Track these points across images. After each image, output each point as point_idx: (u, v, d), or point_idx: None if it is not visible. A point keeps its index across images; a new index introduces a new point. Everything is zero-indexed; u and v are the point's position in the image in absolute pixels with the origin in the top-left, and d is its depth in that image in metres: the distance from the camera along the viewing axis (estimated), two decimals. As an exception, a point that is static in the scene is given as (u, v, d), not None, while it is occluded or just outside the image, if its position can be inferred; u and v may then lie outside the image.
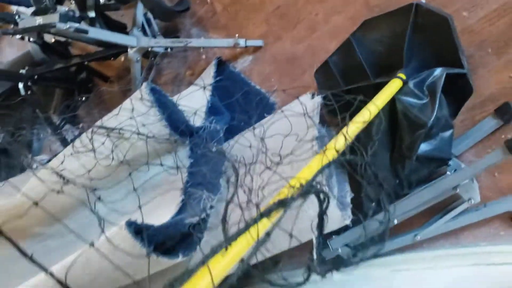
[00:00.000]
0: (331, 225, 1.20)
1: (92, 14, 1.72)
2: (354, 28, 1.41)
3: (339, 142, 0.88)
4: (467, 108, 1.26)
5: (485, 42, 1.26)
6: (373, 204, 1.30)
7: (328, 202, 0.84)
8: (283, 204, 0.67)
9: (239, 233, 0.59)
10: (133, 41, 1.71)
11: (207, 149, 1.46)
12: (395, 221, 1.29)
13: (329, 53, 1.48)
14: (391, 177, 1.28)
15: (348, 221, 1.20)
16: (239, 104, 1.69)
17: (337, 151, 0.87)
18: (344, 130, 0.92)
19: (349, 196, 1.29)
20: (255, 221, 0.63)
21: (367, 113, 0.98)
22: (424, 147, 1.22)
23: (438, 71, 1.19)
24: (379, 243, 1.01)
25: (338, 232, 1.34)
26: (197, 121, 1.53)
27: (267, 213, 0.64)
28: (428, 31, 1.24)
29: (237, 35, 1.69)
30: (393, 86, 1.18)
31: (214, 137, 1.51)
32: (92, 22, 1.73)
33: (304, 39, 1.58)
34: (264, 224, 0.62)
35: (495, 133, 1.22)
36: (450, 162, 1.24)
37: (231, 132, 1.60)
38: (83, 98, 2.07)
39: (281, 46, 1.64)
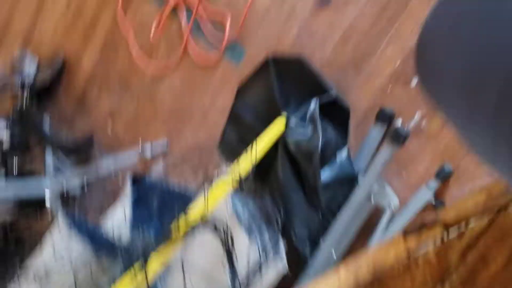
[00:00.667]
0: (271, 277, 1.19)
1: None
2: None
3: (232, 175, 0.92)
4: (354, 125, 1.35)
5: (343, 66, 1.39)
6: (307, 245, 1.31)
7: (231, 236, 0.85)
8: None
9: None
10: (46, 183, 1.73)
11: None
12: (334, 256, 1.29)
13: (224, 131, 1.58)
14: (313, 215, 1.30)
15: (285, 269, 1.19)
16: (168, 210, 1.70)
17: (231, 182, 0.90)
18: (235, 166, 0.96)
19: (282, 246, 1.29)
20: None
21: (254, 149, 1.04)
22: (328, 173, 1.27)
23: (312, 103, 1.29)
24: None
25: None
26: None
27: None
28: (292, 76, 1.36)
29: (140, 145, 1.76)
30: (277, 123, 1.26)
31: (148, 244, 1.49)
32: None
33: (200, 127, 1.67)
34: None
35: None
36: (359, 178, 1.29)
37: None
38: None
39: (185, 140, 1.72)
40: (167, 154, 1.76)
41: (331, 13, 1.40)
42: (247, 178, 1.00)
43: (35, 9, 2.21)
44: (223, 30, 1.60)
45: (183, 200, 1.70)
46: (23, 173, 1.85)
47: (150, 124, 1.82)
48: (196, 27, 1.67)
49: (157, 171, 1.79)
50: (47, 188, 1.73)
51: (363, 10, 1.35)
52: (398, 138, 1.12)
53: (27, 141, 1.84)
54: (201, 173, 1.66)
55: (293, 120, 1.28)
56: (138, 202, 1.73)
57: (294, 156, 1.27)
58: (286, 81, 1.36)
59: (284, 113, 1.31)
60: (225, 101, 1.62)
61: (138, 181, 1.81)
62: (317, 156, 1.21)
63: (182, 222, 0.76)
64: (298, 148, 1.25)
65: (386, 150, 1.14)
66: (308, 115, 1.28)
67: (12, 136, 1.72)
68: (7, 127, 1.71)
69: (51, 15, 2.15)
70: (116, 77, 1.92)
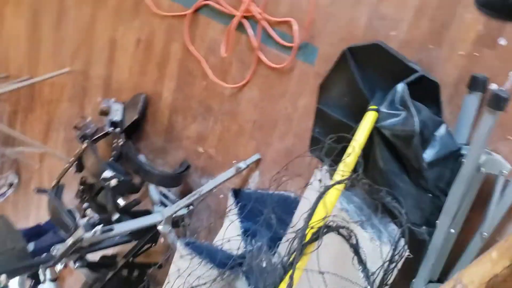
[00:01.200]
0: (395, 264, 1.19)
1: (116, 216, 1.88)
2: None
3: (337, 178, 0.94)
4: (447, 100, 1.32)
5: (422, 43, 1.36)
6: (423, 227, 1.29)
7: (356, 237, 0.87)
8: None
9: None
10: (157, 216, 1.84)
11: (260, 267, 1.49)
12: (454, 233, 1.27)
13: (310, 131, 1.60)
14: (423, 196, 1.29)
15: (406, 253, 1.18)
16: (270, 216, 1.75)
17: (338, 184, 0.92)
18: (338, 169, 0.98)
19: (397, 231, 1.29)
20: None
21: (351, 148, 1.05)
22: (430, 153, 1.25)
23: (399, 86, 1.28)
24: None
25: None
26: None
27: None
28: (371, 63, 1.36)
29: (234, 161, 1.83)
30: (368, 118, 1.26)
31: (261, 254, 1.55)
32: (119, 221, 1.88)
33: (287, 132, 1.70)
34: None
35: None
36: (463, 151, 1.25)
37: (275, 242, 1.64)
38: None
39: (274, 149, 1.76)
40: (260, 165, 1.81)
41: (398, -8, 1.38)
42: (356, 174, 1.02)
43: (108, 57, 2.36)
44: (292, 33, 1.62)
45: (287, 206, 1.74)
46: (134, 210, 1.99)
47: (238, 140, 1.88)
48: (265, 36, 1.71)
49: (254, 182, 1.84)
50: (159, 219, 1.83)
51: (431, -19, 1.32)
52: (498, 103, 1.08)
53: (132, 180, 1.96)
54: (298, 177, 1.69)
55: (384, 108, 1.27)
56: (244, 215, 1.79)
57: (392, 143, 1.27)
58: (368, 68, 1.36)
59: (373, 104, 1.31)
60: (306, 101, 1.64)
61: (239, 195, 1.88)
62: (417, 139, 1.19)
63: (308, 229, 0.79)
64: (395, 134, 1.24)
65: (487, 118, 1.11)
66: (397, 99, 1.27)
67: (118, 178, 1.84)
68: (112, 171, 1.83)
69: (124, 58, 2.28)
70: (197, 102, 2.00)
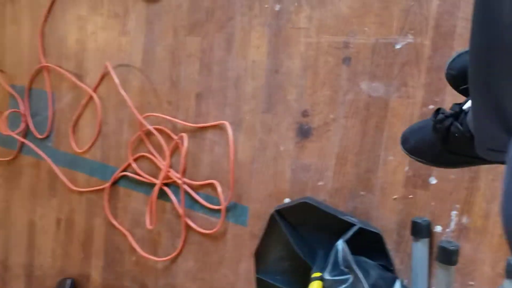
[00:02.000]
0: None
1: None
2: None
3: None
4: (394, 249, 1.21)
5: (352, 190, 1.27)
6: None
7: None
8: None
9: None
10: None
11: None
12: None
13: None
14: None
15: None
16: None
17: None
18: None
19: None
20: None
21: None
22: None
23: (339, 245, 1.16)
24: None
25: None
26: None
27: None
28: (304, 221, 1.25)
29: None
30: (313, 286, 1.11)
31: None
32: None
33: None
34: None
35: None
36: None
37: None
38: None
39: None
40: None
41: (316, 142, 1.32)
42: None
43: (27, 242, 2.15)
44: (217, 196, 1.51)
45: None
46: None
47: None
48: (190, 201, 1.59)
49: None
50: None
51: (346, 128, 1.27)
52: (449, 257, 0.97)
53: None
54: None
55: (328, 274, 1.13)
56: None
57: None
58: (301, 228, 1.25)
59: (316, 270, 1.17)
60: (246, 266, 1.48)
61: None
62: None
63: None
64: (346, 303, 1.09)
65: (443, 274, 0.99)
66: (341, 260, 1.14)
67: None
68: None
69: (45, 241, 2.08)
70: (129, 279, 1.79)
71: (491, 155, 0.54)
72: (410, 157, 0.81)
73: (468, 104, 0.64)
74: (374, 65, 1.23)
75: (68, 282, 1.94)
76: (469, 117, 0.62)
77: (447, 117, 0.65)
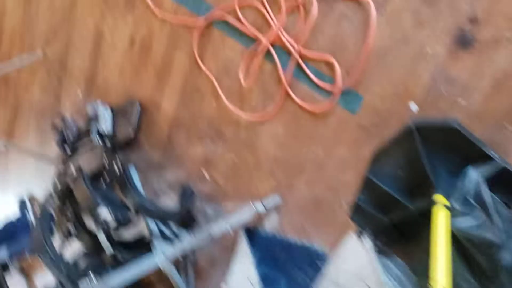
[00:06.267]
0: None
1: (110, 250, 1.68)
2: (360, 153, 1.39)
3: None
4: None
5: (491, 120, 1.18)
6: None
7: None
8: None
9: None
10: (160, 257, 1.64)
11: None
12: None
13: (347, 185, 1.43)
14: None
15: None
16: (288, 266, 1.62)
17: None
18: None
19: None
20: None
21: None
22: (508, 257, 1.11)
23: (472, 175, 1.11)
24: None
25: None
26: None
27: None
28: (441, 143, 1.17)
29: (251, 202, 1.63)
30: (442, 219, 1.09)
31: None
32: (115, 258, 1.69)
33: (317, 180, 1.52)
34: None
35: None
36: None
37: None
38: None
39: (299, 193, 1.57)
40: (280, 207, 1.63)
41: (475, 57, 1.17)
42: None
43: (92, 49, 2.04)
44: (332, 73, 1.39)
45: (308, 255, 1.60)
46: (131, 244, 1.77)
47: (254, 174, 1.68)
48: (297, 70, 1.47)
49: (272, 224, 1.67)
50: (162, 261, 1.64)
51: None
52: None
53: (128, 216, 1.73)
54: (326, 229, 1.53)
55: (456, 203, 1.11)
56: (259, 258, 1.65)
57: (459, 244, 1.12)
58: (437, 152, 1.17)
59: (440, 191, 1.14)
60: (343, 152, 1.45)
61: (252, 235, 1.71)
62: (496, 247, 1.05)
63: None
64: (468, 238, 1.09)
65: None
66: (471, 193, 1.11)
67: (114, 213, 1.62)
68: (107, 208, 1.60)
69: (113, 55, 1.98)
70: (205, 123, 1.76)
71: None
72: None
73: None
74: None
75: (137, 107, 1.90)
76: None
77: None
